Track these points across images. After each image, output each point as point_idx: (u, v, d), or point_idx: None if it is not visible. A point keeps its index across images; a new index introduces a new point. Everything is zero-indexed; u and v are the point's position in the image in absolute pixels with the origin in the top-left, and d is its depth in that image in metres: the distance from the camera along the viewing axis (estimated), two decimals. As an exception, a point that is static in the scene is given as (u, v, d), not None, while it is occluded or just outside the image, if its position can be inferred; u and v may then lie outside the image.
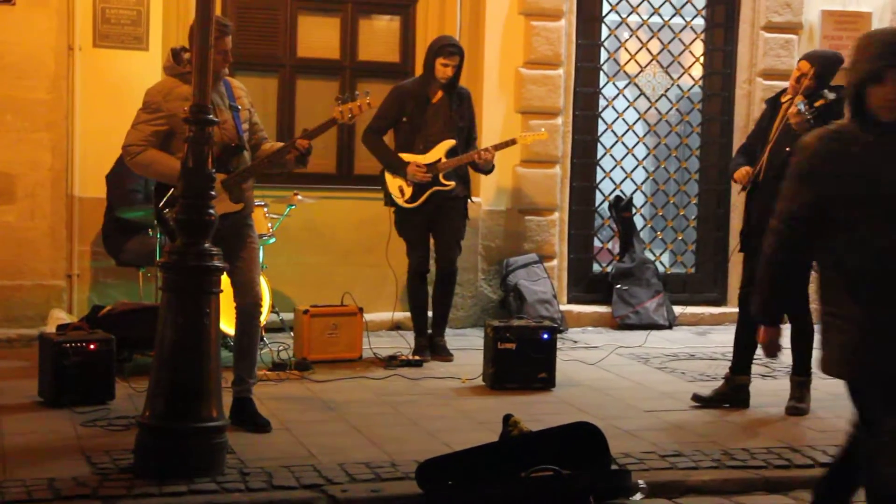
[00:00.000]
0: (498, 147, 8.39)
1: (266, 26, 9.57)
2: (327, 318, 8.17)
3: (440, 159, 8.23)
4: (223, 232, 5.92)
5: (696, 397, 7.13)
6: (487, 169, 8.44)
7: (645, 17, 10.48)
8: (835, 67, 6.99)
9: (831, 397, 7.43)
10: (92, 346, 6.65)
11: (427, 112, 8.24)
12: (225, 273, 6.29)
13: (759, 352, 7.32)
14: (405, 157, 8.23)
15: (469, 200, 8.48)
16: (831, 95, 6.82)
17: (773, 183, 6.92)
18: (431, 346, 8.37)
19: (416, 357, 8.19)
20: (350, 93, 6.69)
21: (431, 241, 8.42)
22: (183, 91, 6.12)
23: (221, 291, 5.48)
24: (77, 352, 6.59)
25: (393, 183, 8.27)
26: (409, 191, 8.23)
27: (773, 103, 7.19)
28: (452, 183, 8.25)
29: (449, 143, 8.25)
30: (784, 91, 7.20)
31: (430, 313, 8.52)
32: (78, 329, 6.93)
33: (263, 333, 8.34)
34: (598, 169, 10.40)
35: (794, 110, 6.74)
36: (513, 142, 8.58)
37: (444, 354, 8.31)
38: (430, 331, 8.44)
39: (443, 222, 8.32)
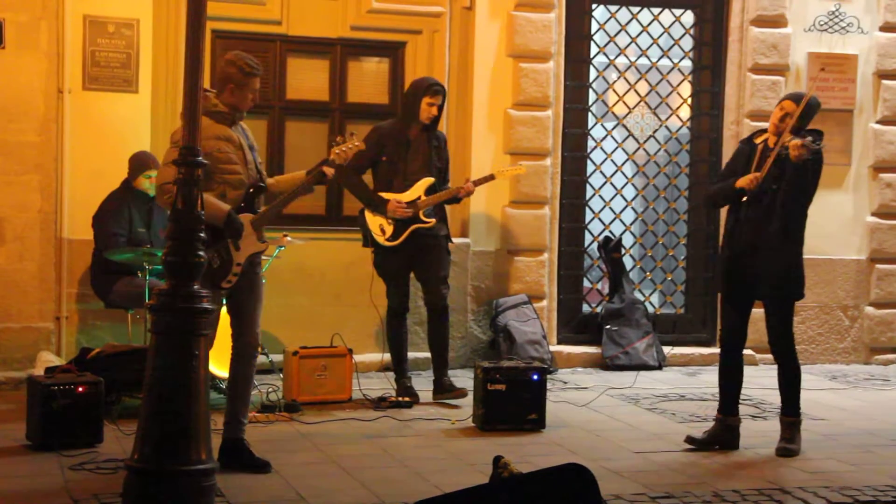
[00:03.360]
0: (478, 182, 8.44)
1: (256, 68, 9.59)
2: (317, 359, 8.15)
3: (420, 197, 8.26)
4: (242, 269, 6.31)
5: (689, 440, 7.09)
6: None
7: (633, 59, 10.56)
8: (814, 110, 7.04)
9: (822, 438, 7.43)
10: (80, 389, 6.62)
11: (407, 151, 8.28)
12: (227, 311, 6.38)
13: (746, 392, 7.35)
14: (385, 195, 8.25)
15: (450, 242, 8.49)
16: (810, 137, 6.85)
17: (754, 221, 6.94)
18: (438, 386, 8.35)
19: (406, 398, 8.17)
20: (342, 135, 6.84)
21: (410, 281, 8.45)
22: (216, 130, 6.26)
23: (210, 333, 5.48)
24: (65, 394, 6.56)
25: (374, 222, 8.27)
26: (389, 229, 8.23)
27: (749, 143, 7.19)
28: (433, 220, 8.29)
29: (428, 180, 8.29)
30: (759, 132, 7.21)
31: (410, 355, 8.57)
32: (66, 371, 6.90)
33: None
34: (587, 209, 10.43)
35: (797, 143, 6.65)
36: (491, 177, 8.58)
37: (455, 390, 8.21)
38: (428, 375, 8.43)
39: (427, 259, 8.34)
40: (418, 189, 8.28)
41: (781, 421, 7.10)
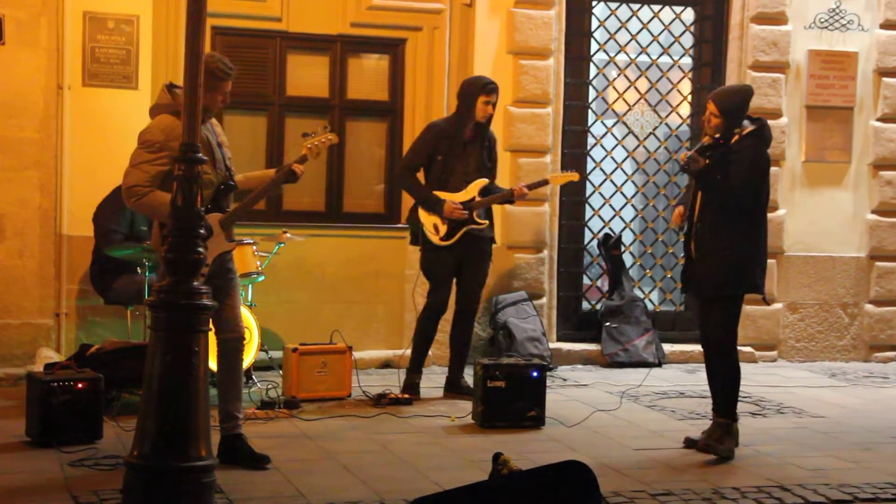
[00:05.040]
0: (531, 186, 8.54)
1: (255, 65, 9.58)
2: (316, 356, 8.15)
3: (474, 198, 8.28)
4: (212, 270, 6.14)
5: (688, 442, 7.05)
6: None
7: (633, 56, 10.56)
8: (739, 99, 6.94)
9: (822, 435, 7.43)
10: (80, 385, 6.62)
11: (462, 151, 8.29)
12: None
13: (745, 389, 7.34)
14: (440, 194, 8.24)
15: (493, 243, 8.54)
16: (750, 126, 6.82)
17: (707, 219, 6.92)
18: (457, 386, 8.39)
19: (406, 395, 8.16)
20: (315, 129, 6.76)
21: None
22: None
23: (210, 330, 5.47)
24: (65, 391, 6.56)
25: (428, 220, 8.25)
26: (443, 228, 8.23)
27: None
28: (486, 221, 8.35)
29: (482, 181, 8.33)
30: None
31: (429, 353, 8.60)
32: (66, 368, 6.89)
33: (252, 371, 8.34)
34: (587, 207, 10.42)
35: (683, 157, 6.81)
36: (545, 182, 8.75)
37: (472, 394, 8.10)
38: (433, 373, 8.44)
39: (472, 263, 8.37)
40: (473, 190, 8.29)
41: (714, 420, 6.90)
